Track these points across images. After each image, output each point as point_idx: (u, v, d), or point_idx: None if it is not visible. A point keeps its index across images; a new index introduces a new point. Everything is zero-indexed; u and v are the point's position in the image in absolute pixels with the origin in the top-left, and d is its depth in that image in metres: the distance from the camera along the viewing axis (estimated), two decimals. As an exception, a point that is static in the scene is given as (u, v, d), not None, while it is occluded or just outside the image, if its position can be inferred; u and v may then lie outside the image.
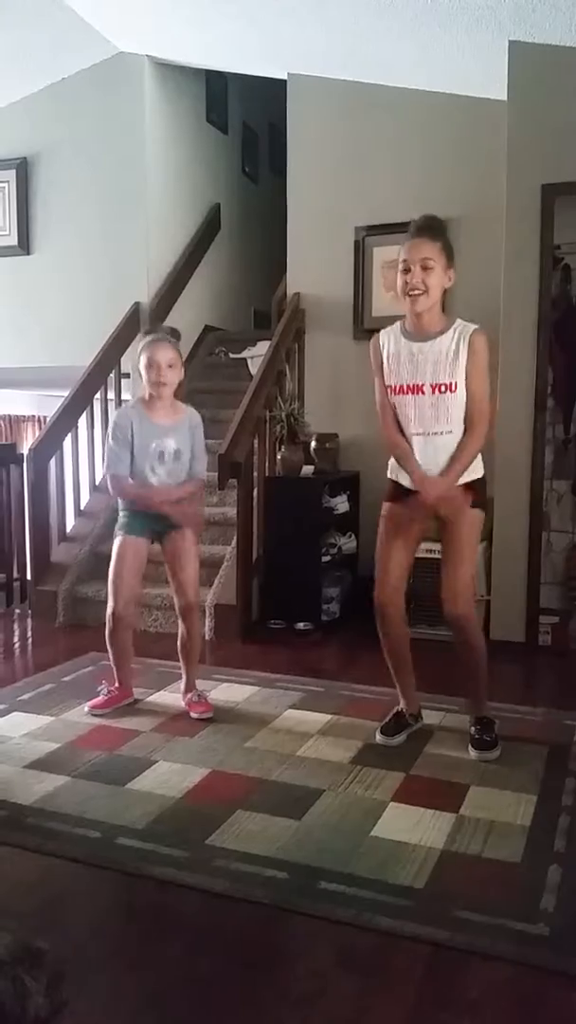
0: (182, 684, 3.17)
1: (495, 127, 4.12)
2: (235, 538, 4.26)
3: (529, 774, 2.52)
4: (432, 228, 2.53)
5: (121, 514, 3.06)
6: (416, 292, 2.49)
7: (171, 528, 3.02)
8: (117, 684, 3.15)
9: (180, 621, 3.13)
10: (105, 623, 3.11)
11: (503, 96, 3.93)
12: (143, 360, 2.92)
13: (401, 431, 2.64)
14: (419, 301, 2.50)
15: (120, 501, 3.06)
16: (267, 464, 4.50)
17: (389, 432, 2.67)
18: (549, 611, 3.98)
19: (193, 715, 3.01)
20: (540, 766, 2.59)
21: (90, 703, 3.11)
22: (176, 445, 2.98)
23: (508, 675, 3.42)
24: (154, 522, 3.02)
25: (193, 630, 3.11)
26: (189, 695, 3.12)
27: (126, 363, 5.29)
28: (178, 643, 3.16)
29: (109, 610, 3.07)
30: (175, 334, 3.00)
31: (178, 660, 3.18)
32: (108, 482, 3.04)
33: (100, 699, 3.11)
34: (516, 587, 3.96)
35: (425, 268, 2.48)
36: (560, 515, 3.98)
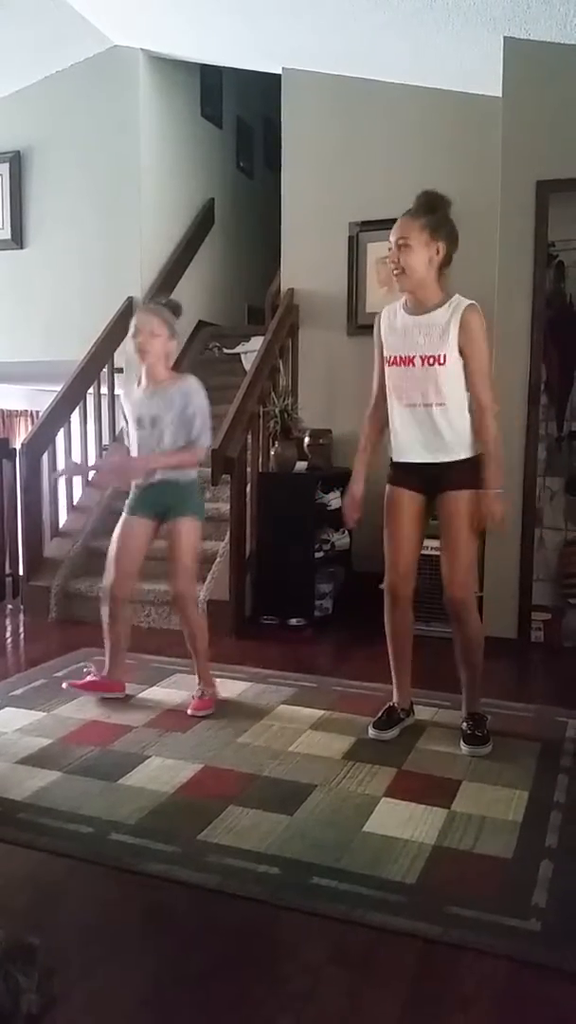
0: (196, 679, 3.13)
1: (490, 123, 4.12)
2: (228, 534, 4.25)
3: (521, 770, 2.53)
4: (418, 206, 2.55)
5: (130, 493, 3.08)
6: (396, 272, 2.54)
7: (173, 515, 2.99)
8: (105, 672, 3.14)
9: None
10: (100, 614, 3.11)
11: (498, 92, 3.92)
12: (131, 329, 2.96)
13: (385, 416, 2.70)
14: (400, 280, 2.55)
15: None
16: (260, 460, 4.49)
17: (370, 413, 2.78)
18: (542, 608, 3.99)
19: (188, 712, 3.00)
20: (532, 762, 2.59)
21: (70, 681, 3.15)
22: (155, 411, 2.95)
23: (501, 671, 3.43)
24: (158, 503, 3.01)
25: (188, 620, 3.05)
26: (197, 688, 3.09)
27: (119, 358, 5.28)
28: (185, 638, 3.13)
29: (104, 584, 3.06)
30: (171, 305, 2.99)
31: (173, 656, 3.18)
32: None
33: (83, 680, 3.14)
34: (509, 584, 3.97)
35: (400, 247, 2.51)
36: (553, 512, 3.99)
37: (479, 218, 4.15)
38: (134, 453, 3.02)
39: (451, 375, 2.55)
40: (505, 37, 3.81)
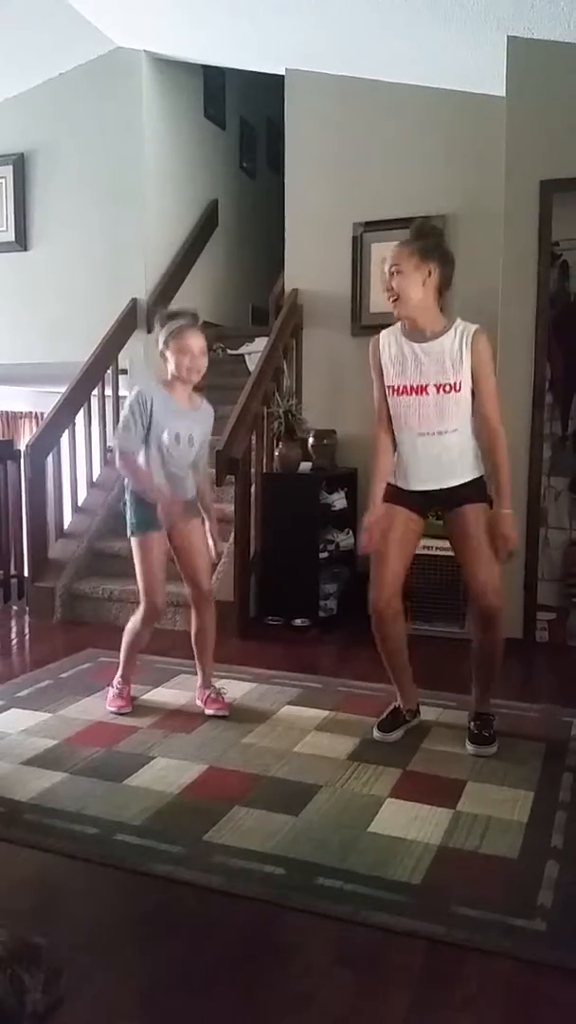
0: (198, 679, 3.11)
1: (493, 123, 4.11)
2: (233, 534, 4.25)
3: (526, 770, 2.53)
4: (410, 232, 2.56)
5: (133, 510, 2.90)
6: (392, 300, 2.53)
7: (186, 519, 2.95)
8: (120, 675, 3.10)
9: (194, 614, 3.05)
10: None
11: (501, 92, 3.92)
12: (175, 344, 2.81)
13: (395, 441, 2.66)
14: (398, 307, 2.54)
15: (128, 496, 2.92)
16: (265, 460, 4.49)
17: (375, 439, 2.71)
18: (547, 607, 3.98)
19: (208, 712, 2.98)
20: (538, 762, 2.59)
21: (112, 704, 3.05)
22: (190, 432, 2.90)
23: (506, 671, 3.39)
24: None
25: (207, 621, 3.03)
26: (207, 691, 3.06)
27: (124, 359, 5.29)
28: (192, 636, 3.08)
29: (148, 607, 2.94)
30: (196, 319, 2.94)
31: (178, 657, 3.17)
32: (116, 456, 2.94)
33: (121, 700, 3.06)
34: (514, 584, 3.96)
35: (394, 274, 2.51)
36: (558, 512, 3.98)
37: (483, 218, 4.17)
38: (164, 464, 2.86)
39: (464, 401, 2.55)
40: (509, 36, 3.80)
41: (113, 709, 3.03)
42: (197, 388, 2.99)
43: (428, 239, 2.55)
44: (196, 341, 2.84)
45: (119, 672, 3.10)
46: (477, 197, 4.32)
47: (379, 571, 2.70)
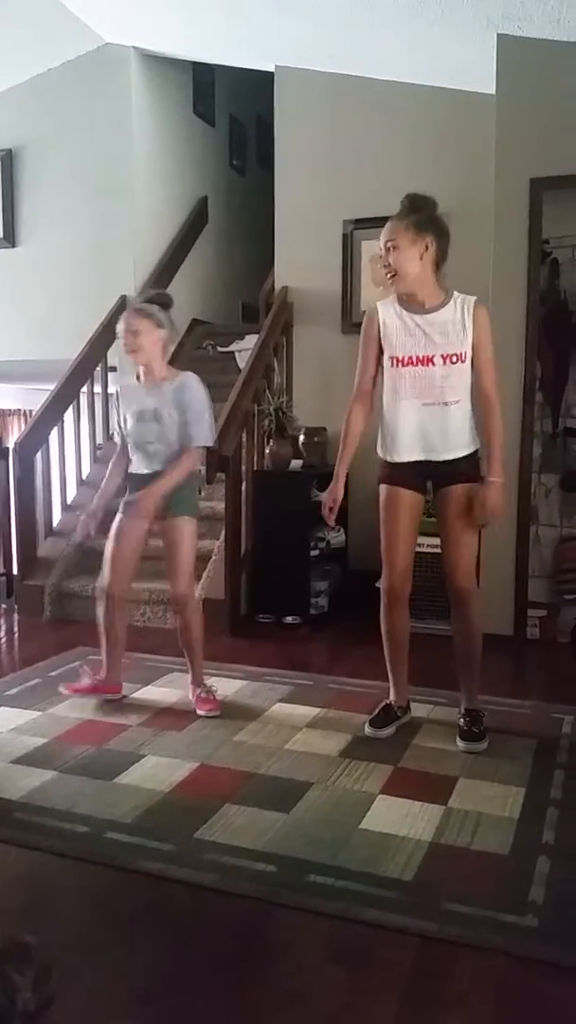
0: (189, 677, 3.12)
1: (483, 121, 4.12)
2: (223, 532, 4.25)
3: (518, 766, 2.53)
4: (403, 206, 2.55)
5: (127, 491, 3.04)
6: (389, 276, 2.53)
7: (170, 513, 2.95)
8: (103, 675, 3.12)
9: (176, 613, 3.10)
10: (96, 615, 3.09)
11: (491, 90, 3.92)
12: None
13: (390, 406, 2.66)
14: (396, 283, 2.54)
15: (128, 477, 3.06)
16: (255, 458, 4.48)
17: (352, 413, 2.71)
18: (537, 604, 3.99)
19: (199, 712, 2.97)
20: (529, 758, 2.59)
21: (67, 684, 3.13)
22: (154, 407, 2.92)
23: (497, 668, 3.42)
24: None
25: (188, 621, 3.03)
26: (197, 690, 3.06)
27: (113, 356, 5.27)
28: (178, 636, 3.10)
29: (100, 585, 3.03)
30: (158, 298, 2.97)
31: (169, 655, 3.17)
32: None
33: (80, 684, 3.10)
34: (505, 580, 3.97)
35: (388, 250, 2.52)
36: (548, 509, 3.99)
37: (473, 216, 4.16)
38: (133, 440, 2.98)
39: (467, 372, 2.57)
40: (499, 34, 3.81)
41: (63, 688, 3.12)
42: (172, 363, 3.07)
43: (422, 212, 2.54)
44: (125, 321, 2.91)
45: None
46: (467, 195, 4.31)
47: (391, 553, 2.72)
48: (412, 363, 2.59)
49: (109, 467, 3.14)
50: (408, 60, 4.41)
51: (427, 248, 2.52)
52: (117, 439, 3.13)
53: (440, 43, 4.09)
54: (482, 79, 4.08)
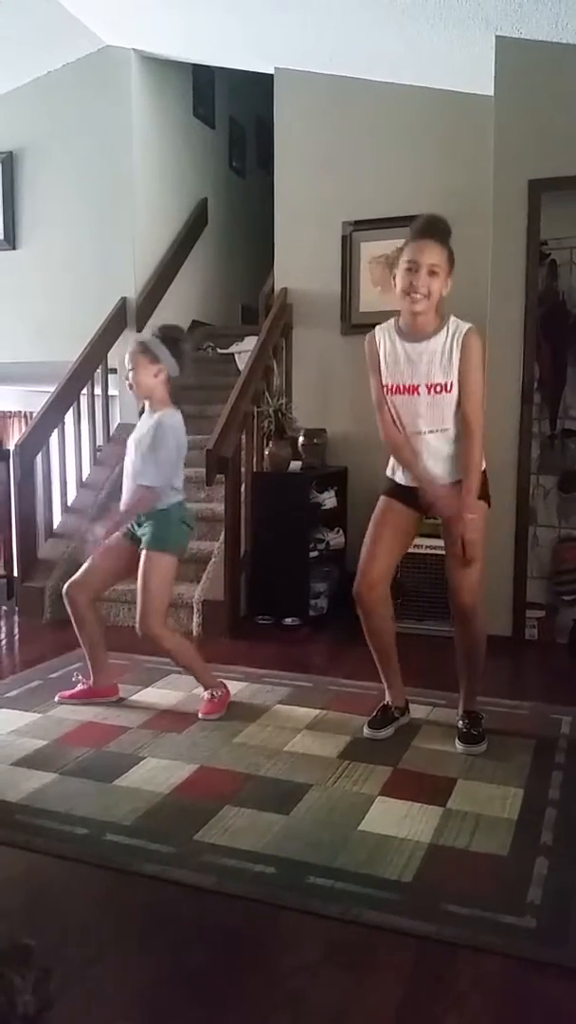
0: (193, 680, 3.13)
1: (482, 122, 4.12)
2: (222, 534, 4.25)
3: (516, 767, 2.54)
4: (440, 231, 2.51)
5: None
6: (419, 295, 2.47)
7: (144, 544, 2.93)
8: (92, 680, 3.13)
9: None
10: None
11: (490, 91, 3.93)
12: None
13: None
14: (419, 303, 2.48)
15: None
16: (255, 460, 4.49)
17: (389, 432, 2.64)
18: (536, 605, 4.00)
19: (199, 715, 2.98)
20: (527, 759, 2.60)
21: (60, 692, 3.15)
22: (137, 437, 2.97)
23: (495, 669, 3.42)
24: (136, 531, 2.98)
25: (170, 655, 3.00)
26: (207, 691, 3.04)
27: (113, 358, 5.28)
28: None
29: (67, 583, 3.07)
30: (169, 331, 2.95)
31: (163, 656, 3.16)
32: None
33: (71, 690, 3.14)
34: (503, 581, 3.97)
35: (432, 274, 2.46)
36: (547, 510, 4.00)
37: (472, 217, 4.16)
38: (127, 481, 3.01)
39: (454, 401, 2.54)
40: (497, 36, 3.81)
41: (56, 697, 3.14)
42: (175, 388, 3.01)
43: (449, 242, 2.52)
44: (127, 357, 2.93)
45: None
46: (466, 196, 4.32)
47: (365, 558, 2.71)
48: (399, 391, 2.58)
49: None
50: (407, 62, 4.42)
51: (447, 287, 2.53)
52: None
53: (439, 45, 4.10)
54: (481, 81, 4.09)
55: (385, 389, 2.61)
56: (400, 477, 2.68)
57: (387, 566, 2.73)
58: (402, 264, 2.50)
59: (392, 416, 2.63)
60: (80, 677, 3.17)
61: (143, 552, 2.91)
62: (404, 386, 2.57)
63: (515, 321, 3.88)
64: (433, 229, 2.51)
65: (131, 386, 2.93)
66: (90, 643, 3.11)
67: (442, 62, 4.30)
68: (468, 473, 2.55)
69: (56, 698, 3.12)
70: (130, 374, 2.90)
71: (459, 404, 2.54)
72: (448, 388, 2.52)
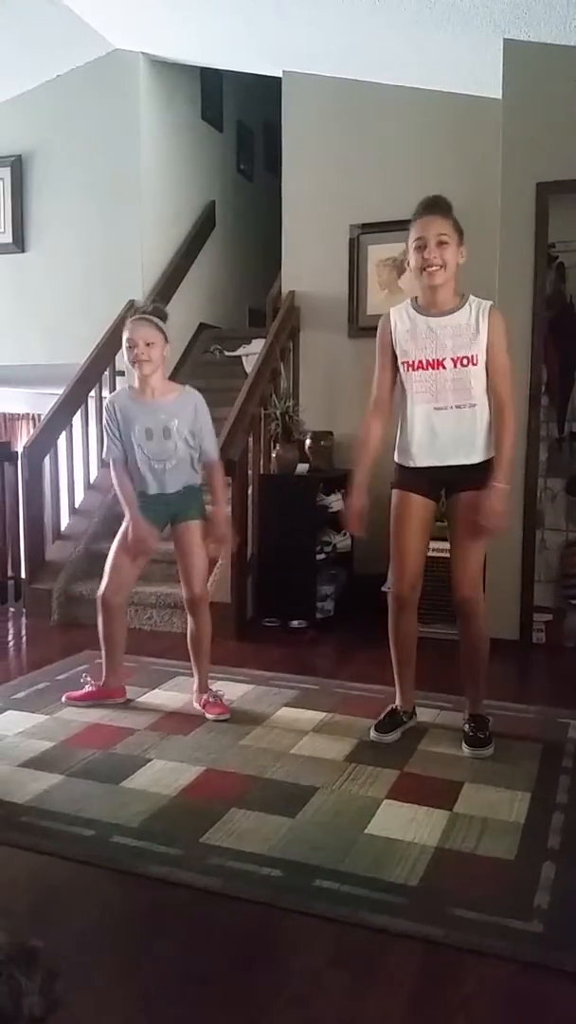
0: (194, 683, 3.11)
1: (490, 125, 4.12)
2: (231, 549, 4.25)
3: (523, 771, 2.53)
4: (442, 206, 2.55)
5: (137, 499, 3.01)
6: (434, 267, 2.50)
7: (182, 518, 2.98)
8: (102, 681, 3.13)
9: (188, 615, 3.08)
10: (97, 622, 3.10)
11: (498, 94, 3.93)
12: (124, 342, 2.90)
13: (404, 411, 2.65)
14: (437, 275, 2.51)
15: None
16: (262, 462, 4.50)
17: (370, 425, 2.71)
18: (543, 609, 3.99)
19: (209, 717, 2.97)
20: (534, 763, 2.59)
21: (67, 693, 3.15)
22: (164, 424, 2.90)
23: (502, 673, 3.42)
24: (164, 513, 3.00)
25: (201, 624, 3.04)
26: (204, 696, 3.05)
27: (120, 361, 5.28)
28: (188, 639, 3.10)
29: (99, 593, 3.05)
30: (158, 312, 2.93)
31: (175, 659, 3.17)
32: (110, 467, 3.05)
33: (80, 691, 3.13)
34: (510, 585, 3.97)
35: (441, 243, 2.49)
36: (554, 513, 3.99)
37: (480, 220, 4.15)
38: (140, 463, 2.94)
39: (481, 375, 2.56)
40: (505, 39, 3.81)
41: (64, 697, 3.13)
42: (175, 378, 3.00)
43: (453, 214, 2.55)
44: (140, 332, 2.85)
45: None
46: (474, 199, 4.30)
47: (400, 559, 2.72)
48: (422, 367, 2.58)
49: (123, 484, 2.97)
50: (415, 65, 4.42)
51: (462, 256, 2.55)
52: (114, 455, 2.98)
53: (447, 48, 4.10)
54: (489, 84, 4.09)
55: (407, 366, 2.61)
56: (412, 459, 2.65)
57: (421, 563, 2.74)
58: (411, 245, 2.55)
59: (404, 395, 2.63)
60: (88, 678, 3.18)
61: (183, 525, 2.97)
62: (429, 361, 2.57)
63: (523, 324, 3.87)
64: (434, 204, 2.55)
65: (144, 361, 2.85)
66: (114, 647, 3.11)
67: (450, 65, 4.30)
68: (502, 446, 2.56)
69: (63, 699, 3.12)
70: (146, 349, 2.84)
71: (484, 378, 2.55)
72: (475, 361, 2.53)
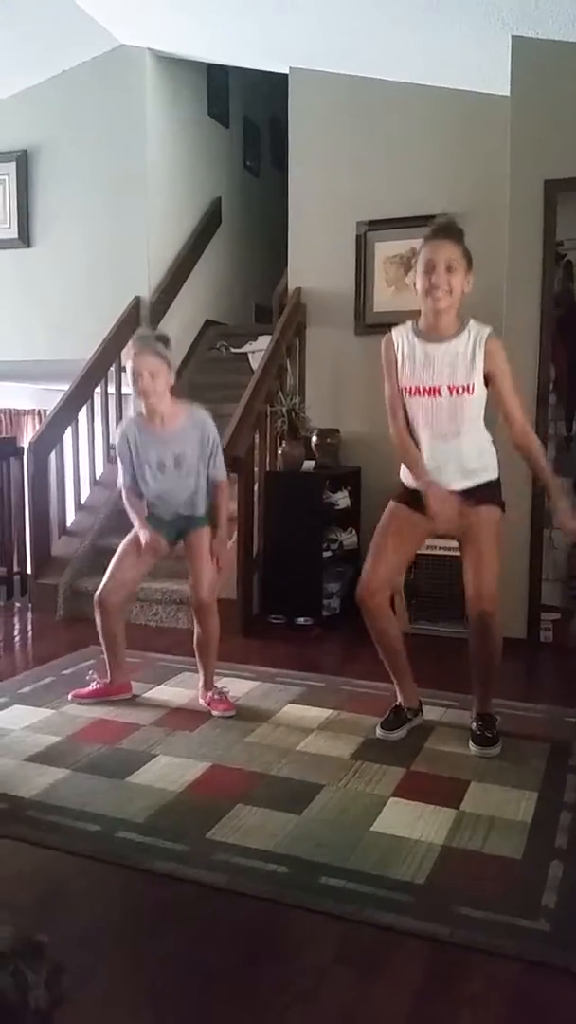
0: (200, 682, 3.14)
1: (498, 122, 4.11)
2: (235, 533, 4.25)
3: (530, 770, 2.52)
4: (453, 231, 2.53)
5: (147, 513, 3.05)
6: (440, 292, 2.48)
7: (192, 528, 3.02)
8: (109, 678, 3.14)
9: (195, 620, 3.10)
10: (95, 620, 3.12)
11: (506, 91, 3.91)
12: (128, 371, 2.89)
13: (411, 432, 2.63)
14: (442, 300, 2.49)
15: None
16: (268, 459, 4.49)
17: (400, 435, 2.64)
18: (551, 608, 3.98)
19: (215, 713, 2.99)
20: (541, 762, 2.59)
21: (74, 691, 3.15)
22: (174, 454, 2.92)
23: (510, 672, 3.39)
24: (174, 529, 3.03)
25: (206, 628, 3.07)
26: (209, 693, 3.08)
27: (126, 357, 5.28)
28: (194, 642, 3.13)
29: (98, 591, 3.06)
30: (162, 339, 2.92)
31: (181, 655, 3.18)
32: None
33: (86, 689, 3.13)
34: (518, 584, 3.95)
35: (450, 270, 2.47)
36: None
37: (487, 217, 4.15)
38: (154, 491, 2.98)
39: (476, 403, 2.55)
40: (513, 36, 3.80)
41: (70, 696, 3.13)
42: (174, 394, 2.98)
43: (464, 242, 2.53)
44: (144, 363, 2.83)
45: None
46: (481, 197, 4.31)
47: (371, 562, 2.71)
48: (420, 393, 2.57)
49: (134, 505, 3.02)
50: (422, 62, 4.41)
51: (469, 284, 2.54)
52: (127, 484, 3.03)
53: (454, 45, 4.08)
54: (496, 81, 4.07)
55: (405, 391, 2.60)
56: (412, 480, 2.66)
57: (389, 573, 2.73)
58: (420, 267, 2.52)
59: (406, 420, 2.62)
60: (95, 676, 3.18)
61: (193, 532, 3.01)
62: (425, 388, 2.56)
63: (531, 322, 3.86)
64: (445, 230, 2.53)
65: (148, 392, 2.85)
66: (114, 644, 3.11)
67: (457, 62, 4.28)
68: (538, 468, 2.59)
69: (69, 696, 3.12)
70: (150, 380, 2.83)
71: (481, 407, 2.55)
72: (470, 390, 2.52)
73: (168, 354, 2.90)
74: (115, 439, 3.02)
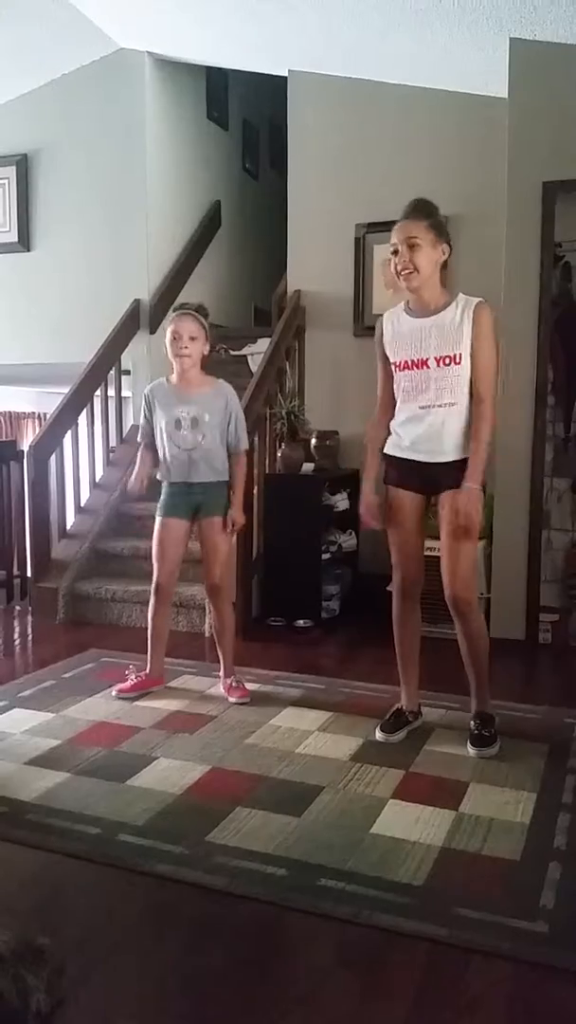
0: (220, 669, 3.26)
1: (496, 124, 4.11)
2: (235, 535, 4.25)
3: (529, 771, 2.53)
4: (417, 208, 2.56)
5: (163, 494, 3.17)
6: (405, 271, 2.53)
7: (205, 513, 3.13)
8: (147, 670, 3.24)
9: (210, 605, 3.25)
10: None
11: (504, 93, 3.92)
12: (168, 333, 3.05)
13: (395, 416, 2.70)
14: (412, 279, 2.54)
15: (163, 481, 3.17)
16: (267, 461, 4.50)
17: (372, 429, 2.78)
18: (549, 609, 3.98)
19: (231, 699, 3.12)
20: (540, 763, 2.59)
21: (117, 687, 3.22)
22: (193, 415, 3.05)
23: (508, 672, 3.42)
24: (188, 503, 3.13)
25: (220, 611, 3.20)
26: (228, 680, 3.21)
27: (126, 360, 5.30)
28: (212, 628, 3.26)
29: (153, 583, 3.19)
30: (202, 310, 3.07)
31: (181, 657, 3.23)
32: None
33: (128, 683, 3.21)
34: (516, 585, 3.96)
35: (411, 247, 2.51)
36: (560, 513, 3.98)
37: (485, 219, 4.17)
38: (168, 450, 3.10)
39: (464, 374, 2.56)
40: (511, 38, 3.80)
41: (114, 692, 3.20)
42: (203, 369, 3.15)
43: (433, 217, 2.56)
44: (185, 326, 3.02)
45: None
46: (479, 198, 4.32)
47: (400, 555, 2.77)
48: (408, 367, 2.61)
49: (142, 457, 3.22)
50: (421, 64, 4.41)
51: (443, 253, 2.56)
52: (145, 438, 3.21)
53: (453, 47, 4.09)
54: (494, 83, 4.08)
55: (396, 367, 2.65)
56: (407, 453, 2.67)
57: (421, 557, 2.78)
58: (391, 253, 2.57)
59: (398, 393, 2.66)
60: (133, 669, 3.29)
61: (207, 520, 3.12)
62: (413, 361, 2.60)
63: (529, 323, 3.87)
64: (410, 209, 2.57)
65: (187, 355, 3.01)
66: (160, 635, 3.25)
67: (455, 64, 4.29)
68: (475, 444, 2.56)
69: (113, 693, 3.19)
70: (190, 343, 3.00)
71: (468, 377, 2.56)
72: (457, 360, 2.54)
73: (207, 324, 3.05)
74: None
